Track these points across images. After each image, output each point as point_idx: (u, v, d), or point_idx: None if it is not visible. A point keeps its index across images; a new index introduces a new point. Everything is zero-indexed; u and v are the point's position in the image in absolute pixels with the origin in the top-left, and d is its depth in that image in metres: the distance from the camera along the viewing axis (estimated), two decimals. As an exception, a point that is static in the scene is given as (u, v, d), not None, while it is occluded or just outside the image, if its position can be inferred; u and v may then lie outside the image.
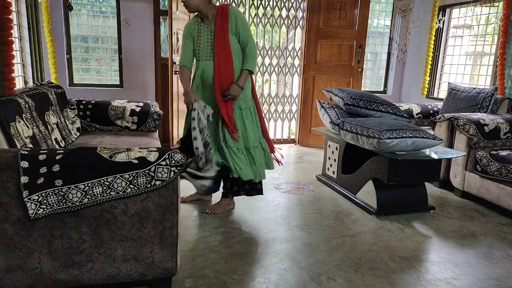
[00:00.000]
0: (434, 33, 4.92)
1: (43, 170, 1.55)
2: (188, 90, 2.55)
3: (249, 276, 2.06)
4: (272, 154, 2.93)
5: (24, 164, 1.54)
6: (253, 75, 2.80)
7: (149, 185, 1.61)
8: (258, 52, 2.70)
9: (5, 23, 2.65)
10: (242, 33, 2.60)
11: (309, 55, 5.03)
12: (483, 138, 3.21)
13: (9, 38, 2.68)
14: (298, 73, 5.26)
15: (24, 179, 1.53)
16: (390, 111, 3.41)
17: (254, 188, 2.86)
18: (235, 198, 2.97)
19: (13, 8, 3.09)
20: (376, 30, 5.74)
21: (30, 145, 2.19)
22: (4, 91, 2.59)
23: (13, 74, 2.68)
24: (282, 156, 3.05)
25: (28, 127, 2.27)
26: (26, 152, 1.60)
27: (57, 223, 1.59)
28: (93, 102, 3.51)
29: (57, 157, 1.59)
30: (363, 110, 3.40)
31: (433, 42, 4.94)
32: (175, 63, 4.06)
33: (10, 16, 2.68)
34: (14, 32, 3.03)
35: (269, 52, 5.12)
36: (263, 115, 2.95)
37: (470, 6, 4.58)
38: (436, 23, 4.90)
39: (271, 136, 5.44)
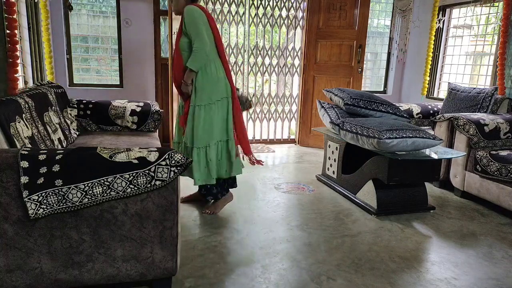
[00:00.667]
0: (434, 33, 4.92)
1: (43, 170, 1.55)
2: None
3: (249, 276, 2.06)
4: (249, 156, 2.86)
5: (24, 164, 1.54)
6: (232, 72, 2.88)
7: (149, 185, 1.61)
8: (203, 46, 2.55)
9: (10, 23, 2.65)
10: (188, 31, 2.55)
11: (309, 55, 5.03)
12: (483, 138, 3.20)
13: (14, 38, 2.68)
14: (298, 73, 5.26)
15: (24, 179, 1.53)
16: (390, 111, 3.41)
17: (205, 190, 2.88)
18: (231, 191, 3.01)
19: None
20: (376, 30, 5.74)
21: (29, 145, 2.19)
22: (8, 91, 2.60)
23: (16, 75, 2.69)
24: (255, 160, 2.90)
25: (27, 127, 2.27)
26: (26, 152, 1.60)
27: (57, 223, 1.59)
28: (94, 102, 3.51)
29: (57, 157, 1.59)
30: (363, 110, 3.40)
31: (433, 42, 4.94)
32: (175, 63, 4.06)
33: (14, 16, 2.68)
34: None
35: (269, 52, 5.12)
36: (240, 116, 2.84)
37: (470, 6, 4.58)
38: (436, 23, 4.90)
39: (271, 136, 5.44)
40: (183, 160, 1.65)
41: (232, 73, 4.42)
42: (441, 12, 4.89)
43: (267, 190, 3.43)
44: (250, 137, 5.33)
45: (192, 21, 2.55)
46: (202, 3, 4.72)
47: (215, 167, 2.72)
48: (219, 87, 2.68)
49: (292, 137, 5.57)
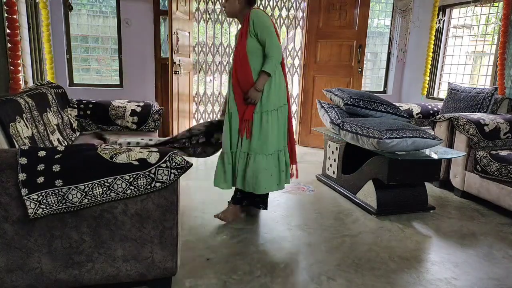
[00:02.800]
0: (434, 33, 4.92)
1: (41, 167, 1.55)
2: None
3: (249, 276, 2.06)
4: (291, 166, 2.75)
5: (23, 160, 1.54)
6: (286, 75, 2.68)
7: (149, 186, 1.61)
8: (280, 53, 2.52)
9: (11, 23, 2.65)
10: (259, 33, 2.47)
11: (309, 55, 5.03)
12: (483, 138, 3.20)
13: (15, 38, 2.68)
14: (298, 73, 5.26)
15: (22, 176, 1.52)
16: (390, 111, 3.41)
17: (260, 201, 2.79)
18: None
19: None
20: (376, 30, 5.74)
21: (29, 145, 2.19)
22: (11, 91, 2.60)
23: (18, 74, 2.69)
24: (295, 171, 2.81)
25: (27, 127, 2.27)
26: (26, 148, 1.60)
27: (57, 223, 1.59)
28: (94, 102, 3.51)
29: (57, 156, 1.59)
30: (363, 110, 3.40)
31: (433, 42, 4.94)
32: (175, 63, 4.06)
33: (15, 16, 2.69)
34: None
35: (269, 52, 5.11)
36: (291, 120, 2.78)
37: (470, 6, 4.58)
38: (436, 23, 4.89)
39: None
40: (183, 163, 1.65)
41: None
42: (441, 12, 4.89)
43: (267, 190, 3.43)
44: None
45: (264, 24, 2.49)
46: (202, 3, 4.72)
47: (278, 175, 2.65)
48: (281, 93, 2.63)
49: (292, 137, 5.56)
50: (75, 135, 3.21)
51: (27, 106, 2.40)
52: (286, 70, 5.19)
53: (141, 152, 1.67)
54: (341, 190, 3.37)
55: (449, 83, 4.21)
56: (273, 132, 2.58)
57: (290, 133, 2.72)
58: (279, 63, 2.56)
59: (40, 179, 1.54)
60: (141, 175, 1.60)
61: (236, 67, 2.56)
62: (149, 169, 1.61)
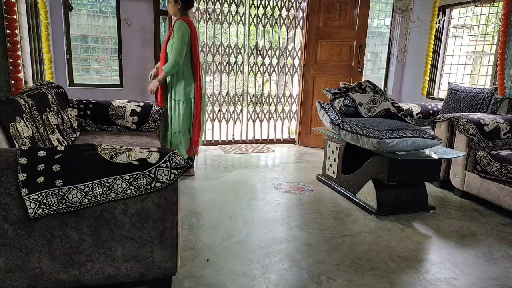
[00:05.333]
0: (434, 33, 4.92)
1: (41, 167, 1.55)
2: None
3: (249, 276, 2.06)
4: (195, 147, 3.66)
5: (23, 160, 1.54)
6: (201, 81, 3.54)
7: (149, 186, 1.61)
8: (178, 59, 3.33)
9: (10, 23, 2.65)
10: (174, 40, 3.29)
11: (309, 55, 5.03)
12: (483, 138, 3.20)
13: (15, 38, 2.68)
14: (298, 73, 5.26)
15: (22, 176, 1.52)
16: (390, 111, 3.40)
17: None
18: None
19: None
20: (376, 30, 5.74)
21: (29, 145, 2.19)
22: (12, 92, 2.60)
23: (19, 74, 2.69)
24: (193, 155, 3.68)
25: (28, 127, 2.27)
26: (26, 148, 1.60)
27: (57, 223, 1.59)
28: (94, 102, 3.51)
29: (57, 156, 1.59)
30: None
31: (433, 42, 4.94)
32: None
33: (14, 16, 2.68)
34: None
35: (269, 52, 5.12)
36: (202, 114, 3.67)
37: (470, 6, 4.58)
38: (436, 23, 4.90)
39: (271, 136, 5.45)
40: (183, 163, 1.65)
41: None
42: (441, 12, 4.89)
43: (267, 190, 3.43)
44: (250, 137, 5.36)
45: (178, 35, 3.27)
46: (202, 4, 4.72)
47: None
48: (182, 90, 3.47)
49: (292, 137, 5.57)
50: (75, 135, 3.21)
51: (27, 106, 2.40)
52: (286, 70, 5.22)
53: (141, 152, 1.67)
54: (341, 190, 3.37)
55: (449, 83, 4.21)
56: (173, 117, 3.55)
57: (195, 122, 3.57)
58: (176, 68, 3.34)
59: (40, 179, 1.54)
60: (141, 175, 1.60)
61: (161, 61, 3.48)
62: (149, 169, 1.61)
